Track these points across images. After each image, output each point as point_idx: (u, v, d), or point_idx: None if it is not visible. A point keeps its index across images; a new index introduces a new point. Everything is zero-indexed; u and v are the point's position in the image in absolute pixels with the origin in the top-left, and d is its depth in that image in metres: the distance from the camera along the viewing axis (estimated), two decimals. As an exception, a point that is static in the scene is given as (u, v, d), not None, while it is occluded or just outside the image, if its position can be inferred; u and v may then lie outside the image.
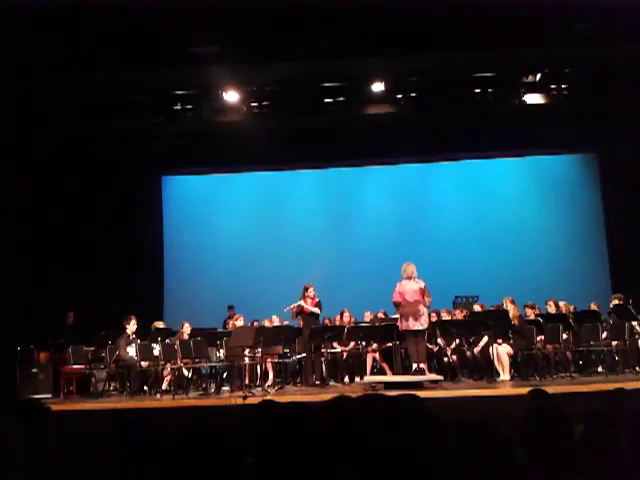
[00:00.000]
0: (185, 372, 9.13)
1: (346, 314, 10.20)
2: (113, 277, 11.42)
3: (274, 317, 10.16)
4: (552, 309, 9.52)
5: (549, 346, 9.02)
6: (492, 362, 8.62)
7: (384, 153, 12.20)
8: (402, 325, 8.58)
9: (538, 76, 10.17)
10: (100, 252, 11.59)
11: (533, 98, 10.39)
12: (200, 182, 13.36)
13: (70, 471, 2.56)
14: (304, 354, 9.42)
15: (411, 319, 8.45)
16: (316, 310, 9.35)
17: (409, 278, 8.62)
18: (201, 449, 2.20)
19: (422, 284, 8.60)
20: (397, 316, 9.03)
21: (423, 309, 8.53)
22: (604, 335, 9.00)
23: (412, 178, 13.04)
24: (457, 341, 9.46)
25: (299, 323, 9.75)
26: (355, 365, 9.75)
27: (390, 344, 9.24)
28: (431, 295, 8.65)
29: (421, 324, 8.46)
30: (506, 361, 8.78)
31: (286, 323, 10.00)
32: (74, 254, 11.32)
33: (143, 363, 8.94)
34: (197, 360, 9.04)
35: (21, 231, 10.31)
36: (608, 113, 10.82)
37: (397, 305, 8.72)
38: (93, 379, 9.42)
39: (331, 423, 2.21)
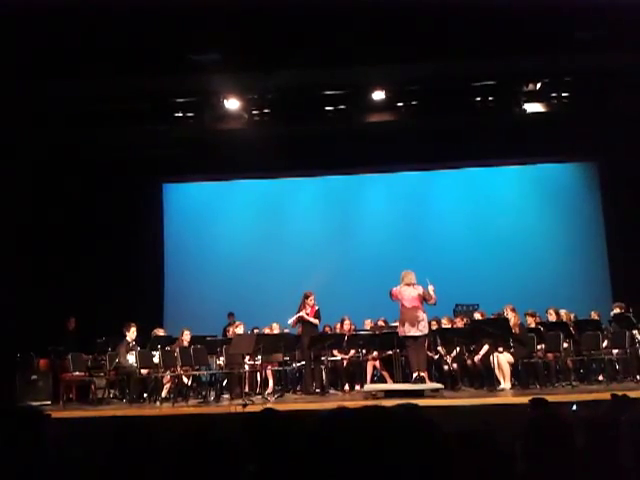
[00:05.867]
0: (185, 380, 9.11)
1: (346, 322, 10.18)
2: (113, 284, 11.41)
3: (274, 325, 10.14)
4: (553, 317, 9.51)
5: (550, 354, 9.00)
6: (493, 370, 8.60)
7: (385, 161, 12.23)
8: (401, 331, 8.58)
9: (538, 85, 10.20)
10: (100, 259, 11.58)
11: (533, 107, 10.42)
12: (201, 189, 13.39)
13: (69, 478, 2.55)
14: (304, 362, 9.40)
15: (408, 325, 8.46)
16: (315, 321, 9.33)
17: (408, 285, 8.63)
18: (201, 457, 2.19)
19: (420, 290, 8.60)
20: (397, 324, 9.03)
21: (422, 315, 8.53)
22: (605, 344, 8.99)
23: (413, 186, 13.06)
24: (458, 349, 9.44)
25: (299, 331, 9.74)
26: (355, 373, 9.73)
27: (390, 352, 9.22)
28: (435, 295, 8.62)
29: (419, 330, 8.45)
30: (507, 369, 8.75)
31: (286, 331, 9.99)
32: (74, 261, 11.32)
33: (143, 370, 8.91)
34: (197, 368, 9.02)
35: (21, 238, 10.31)
36: (608, 121, 10.84)
37: (390, 294, 8.73)
38: (93, 386, 9.40)
39: (331, 433, 2.21)
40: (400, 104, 10.54)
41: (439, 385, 8.45)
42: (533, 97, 10.37)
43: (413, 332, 8.42)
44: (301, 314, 9.26)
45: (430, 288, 8.62)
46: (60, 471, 2.55)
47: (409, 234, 12.50)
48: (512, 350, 8.86)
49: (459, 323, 9.74)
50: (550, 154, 12.21)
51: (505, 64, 9.29)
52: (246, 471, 2.33)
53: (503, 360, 8.76)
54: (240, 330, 9.68)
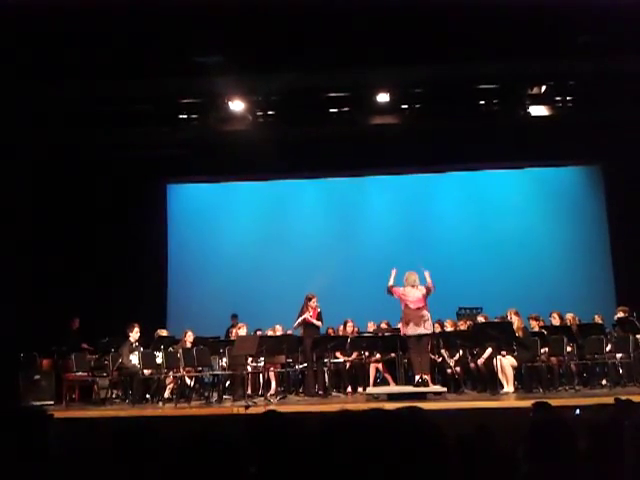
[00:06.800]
0: (187, 381, 9.11)
1: (349, 324, 10.18)
2: (117, 285, 11.43)
3: (277, 326, 10.15)
4: (556, 321, 9.48)
5: (553, 358, 8.98)
6: (496, 374, 8.57)
7: (388, 163, 12.21)
8: (405, 330, 8.57)
9: (543, 88, 10.19)
10: (104, 259, 11.60)
11: (538, 110, 10.41)
12: (205, 191, 13.40)
13: (72, 478, 2.55)
14: (307, 364, 9.39)
15: (412, 324, 8.46)
16: (318, 323, 9.34)
17: (412, 286, 8.63)
18: (203, 458, 2.19)
19: (424, 290, 8.60)
20: (400, 326, 9.02)
21: (427, 315, 8.53)
22: (608, 348, 8.95)
23: (416, 189, 13.04)
24: (461, 352, 9.42)
25: (302, 333, 9.73)
26: (358, 375, 9.72)
27: (393, 354, 9.22)
28: (429, 281, 8.62)
29: (425, 328, 8.46)
30: (510, 373, 8.73)
31: (289, 332, 9.99)
32: (77, 262, 11.33)
33: (146, 371, 8.92)
34: (200, 369, 9.02)
35: (23, 239, 10.33)
36: (613, 125, 10.81)
37: (389, 291, 8.69)
38: (95, 386, 9.41)
39: (334, 436, 2.21)
40: (404, 106, 10.53)
41: (442, 388, 8.44)
42: (538, 100, 10.35)
43: (419, 331, 8.42)
44: (305, 316, 9.27)
45: (426, 274, 8.65)
46: (62, 471, 2.55)
47: (412, 236, 12.48)
48: (515, 354, 8.84)
49: (462, 326, 9.71)
50: (554, 157, 12.18)
51: (510, 67, 9.27)
52: (248, 473, 2.33)
53: (506, 364, 8.74)
54: (243, 331, 9.68)
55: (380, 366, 9.62)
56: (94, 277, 11.37)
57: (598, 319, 9.56)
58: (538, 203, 12.73)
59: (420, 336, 8.47)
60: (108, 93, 9.60)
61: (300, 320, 9.32)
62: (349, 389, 9.61)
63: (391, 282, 8.74)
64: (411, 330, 8.45)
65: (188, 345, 9.29)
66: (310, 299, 9.35)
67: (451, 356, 9.45)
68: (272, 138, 10.76)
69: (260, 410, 6.78)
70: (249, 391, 8.99)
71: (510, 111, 10.36)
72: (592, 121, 10.80)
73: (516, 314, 9.05)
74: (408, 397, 7.65)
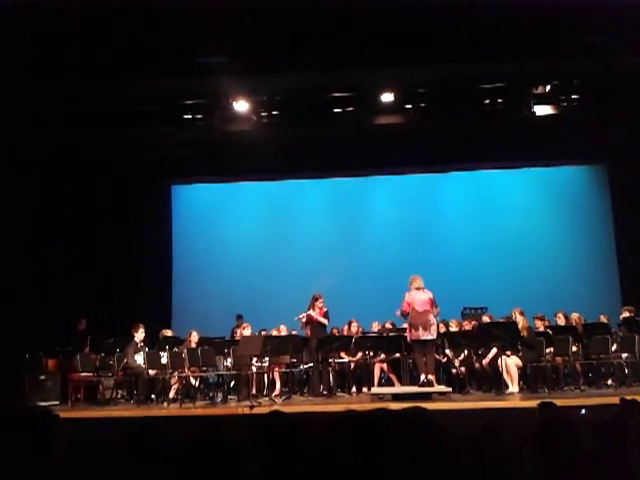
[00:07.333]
0: (192, 381, 9.13)
1: (354, 324, 10.18)
2: (122, 285, 11.46)
3: (282, 327, 10.16)
4: (561, 321, 9.47)
5: (558, 358, 8.96)
6: (501, 374, 8.56)
7: (393, 163, 12.21)
8: (411, 335, 8.56)
9: (548, 87, 10.17)
10: (109, 260, 11.63)
11: (543, 109, 10.38)
12: (209, 191, 13.42)
13: (77, 478, 2.56)
14: (311, 364, 9.40)
15: (421, 329, 8.44)
16: (324, 321, 9.35)
17: (418, 289, 8.62)
18: (207, 458, 2.19)
19: (431, 294, 8.60)
20: (405, 326, 9.02)
21: (433, 319, 8.53)
22: (614, 348, 8.93)
23: (420, 188, 13.04)
24: (465, 352, 9.40)
25: (307, 333, 9.74)
26: (363, 376, 9.72)
27: (398, 355, 9.21)
28: (439, 306, 8.64)
29: (431, 334, 8.46)
30: (515, 373, 8.71)
31: (294, 333, 10.00)
32: (83, 263, 11.36)
33: (151, 371, 8.95)
34: (204, 369, 9.04)
35: (26, 239, 10.35)
36: (618, 124, 10.78)
37: (405, 315, 8.70)
38: (101, 387, 9.44)
39: (339, 436, 2.21)
40: (409, 106, 10.52)
41: (447, 388, 8.43)
42: (543, 99, 10.33)
43: (426, 336, 8.42)
44: (309, 312, 9.27)
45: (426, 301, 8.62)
46: (68, 471, 2.56)
47: (417, 236, 12.48)
48: (520, 354, 8.82)
49: (467, 326, 9.70)
50: (559, 156, 12.15)
51: (514, 66, 9.25)
52: (252, 473, 2.33)
53: (511, 364, 8.72)
54: (247, 332, 9.69)
55: (385, 366, 9.61)
56: (100, 278, 11.40)
57: (603, 319, 9.53)
58: (543, 203, 12.70)
59: (426, 341, 8.47)
60: (111, 93, 9.61)
61: (304, 315, 9.30)
62: (354, 389, 9.61)
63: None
64: (420, 335, 8.42)
65: (193, 345, 9.31)
66: (317, 299, 9.35)
67: (456, 356, 9.43)
68: (276, 138, 10.76)
69: (265, 410, 6.80)
70: (254, 391, 8.99)
71: (515, 110, 10.33)
72: (597, 120, 10.77)
73: (521, 314, 9.03)
74: (413, 397, 7.64)
